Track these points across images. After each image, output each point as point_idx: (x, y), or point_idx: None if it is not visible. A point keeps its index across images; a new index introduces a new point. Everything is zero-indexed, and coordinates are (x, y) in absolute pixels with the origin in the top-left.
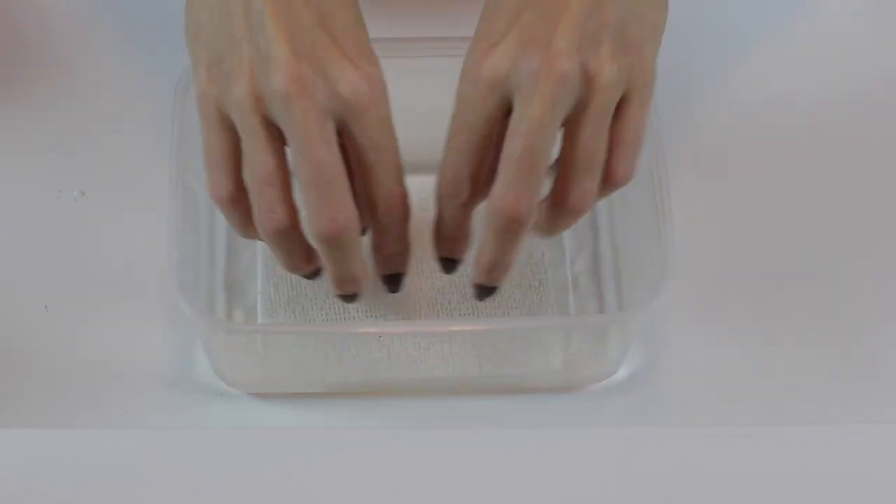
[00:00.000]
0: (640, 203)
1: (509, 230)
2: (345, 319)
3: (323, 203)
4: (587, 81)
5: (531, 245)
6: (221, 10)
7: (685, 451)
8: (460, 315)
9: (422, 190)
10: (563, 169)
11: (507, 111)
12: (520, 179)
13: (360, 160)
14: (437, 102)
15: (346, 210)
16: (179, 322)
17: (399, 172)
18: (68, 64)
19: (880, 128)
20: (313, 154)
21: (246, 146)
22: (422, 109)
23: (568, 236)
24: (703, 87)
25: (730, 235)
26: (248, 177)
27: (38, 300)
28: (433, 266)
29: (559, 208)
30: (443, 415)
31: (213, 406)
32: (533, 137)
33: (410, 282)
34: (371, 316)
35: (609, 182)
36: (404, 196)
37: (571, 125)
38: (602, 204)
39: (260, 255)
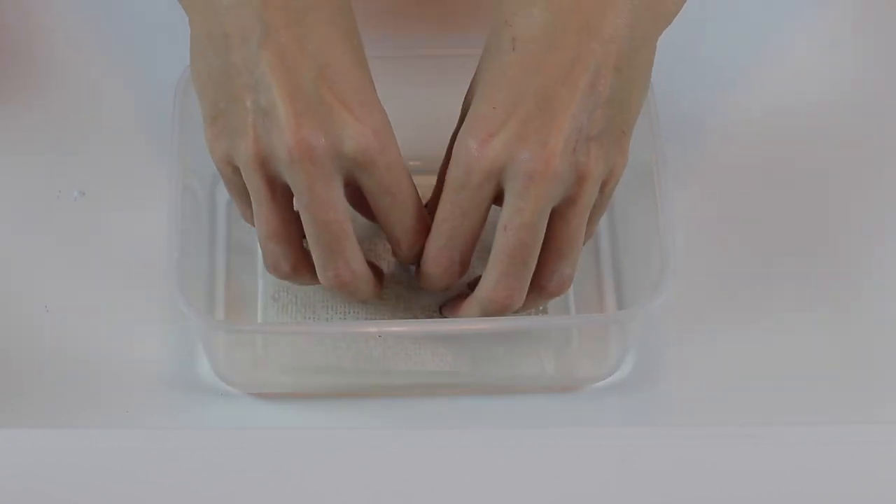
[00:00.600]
0: (640, 203)
1: (497, 314)
2: (345, 319)
3: (327, 259)
4: (578, 179)
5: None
6: (220, 62)
7: (685, 451)
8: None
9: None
10: (547, 255)
11: (496, 197)
12: (511, 273)
13: (375, 206)
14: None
15: (349, 265)
16: (179, 322)
17: (416, 208)
18: (68, 64)
19: (880, 128)
20: (318, 216)
21: (253, 202)
22: (431, 111)
23: None
24: (703, 88)
25: (730, 235)
26: (257, 229)
27: (38, 300)
28: None
29: (541, 291)
30: (443, 415)
31: (213, 406)
32: (525, 233)
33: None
34: (371, 316)
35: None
36: (425, 230)
37: (557, 216)
38: None
39: (259, 254)
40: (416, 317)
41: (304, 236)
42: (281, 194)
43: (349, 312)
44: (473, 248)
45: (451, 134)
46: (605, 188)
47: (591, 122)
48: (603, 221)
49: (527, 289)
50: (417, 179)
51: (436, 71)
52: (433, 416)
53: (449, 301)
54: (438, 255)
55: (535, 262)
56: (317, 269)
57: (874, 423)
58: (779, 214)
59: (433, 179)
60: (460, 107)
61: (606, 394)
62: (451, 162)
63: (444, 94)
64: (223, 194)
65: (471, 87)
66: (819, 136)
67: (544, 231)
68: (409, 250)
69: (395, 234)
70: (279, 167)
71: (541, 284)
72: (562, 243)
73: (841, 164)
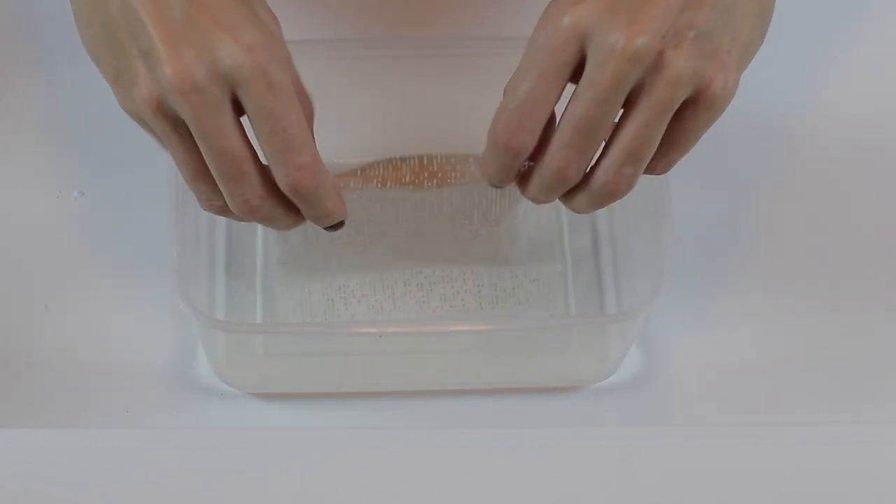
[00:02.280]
0: (640, 203)
1: (552, 188)
2: (345, 318)
3: (232, 187)
4: (657, 69)
5: (532, 245)
6: (101, 21)
7: (685, 451)
8: (461, 315)
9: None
10: (609, 148)
11: (577, 68)
12: (575, 144)
13: (256, 133)
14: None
15: (256, 189)
16: (179, 322)
17: (300, 141)
18: (68, 64)
19: (880, 128)
20: (213, 144)
21: (167, 148)
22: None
23: (568, 236)
24: None
25: (729, 236)
26: (181, 174)
27: (38, 300)
28: (432, 268)
29: (592, 185)
30: (443, 415)
31: (213, 406)
32: (596, 108)
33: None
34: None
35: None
36: (306, 167)
37: (629, 107)
38: None
39: (260, 255)
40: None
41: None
42: (189, 135)
43: (349, 313)
44: (545, 120)
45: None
46: (699, 104)
47: (690, 19)
48: (603, 222)
49: (587, 165)
50: None
51: (437, 70)
52: (433, 416)
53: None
54: (509, 119)
55: (602, 141)
56: (227, 200)
57: (874, 423)
58: (779, 215)
59: None
60: (463, 106)
61: (606, 394)
62: (536, 26)
63: (449, 91)
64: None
65: None
66: (821, 136)
67: (617, 112)
68: (290, 191)
69: (274, 170)
70: (172, 104)
71: (596, 175)
72: (628, 136)
73: (842, 163)
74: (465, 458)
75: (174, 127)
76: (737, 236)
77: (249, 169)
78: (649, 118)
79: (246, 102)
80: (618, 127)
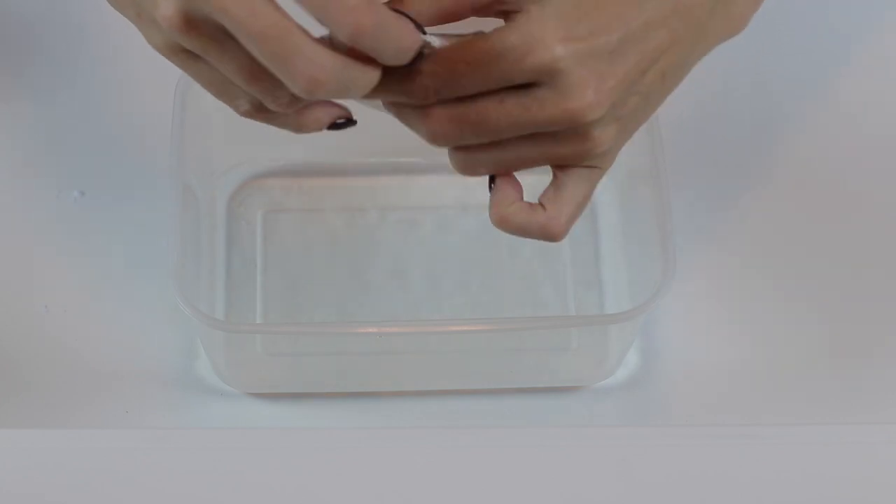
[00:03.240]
0: (641, 203)
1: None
2: (345, 318)
3: (291, 65)
4: (584, 136)
5: (531, 246)
6: None
7: (685, 451)
8: (461, 315)
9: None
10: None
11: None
12: (458, 117)
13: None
14: None
15: (316, 59)
16: (179, 322)
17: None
18: (68, 64)
19: (880, 128)
20: (253, 28)
21: (213, 62)
22: None
23: (568, 236)
24: (703, 87)
25: (730, 236)
26: (239, 84)
27: (38, 300)
28: (431, 268)
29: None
30: (443, 415)
31: (212, 406)
32: (502, 118)
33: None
34: (371, 317)
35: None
36: (358, 7)
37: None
38: (602, 204)
39: (259, 254)
40: None
41: None
42: (228, 36)
43: (349, 313)
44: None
45: None
46: (575, 166)
47: (630, 98)
48: (603, 221)
49: (462, 134)
50: (420, 180)
51: None
52: (433, 416)
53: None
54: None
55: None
56: (290, 85)
57: (874, 424)
58: (779, 215)
59: (436, 179)
60: None
61: (606, 394)
62: (515, 23)
63: None
64: (223, 194)
65: None
66: (821, 136)
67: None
68: (349, 33)
69: (327, 23)
70: (200, 8)
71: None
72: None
73: (842, 164)
74: (465, 458)
75: (210, 36)
76: (737, 236)
77: (302, 40)
78: (530, 146)
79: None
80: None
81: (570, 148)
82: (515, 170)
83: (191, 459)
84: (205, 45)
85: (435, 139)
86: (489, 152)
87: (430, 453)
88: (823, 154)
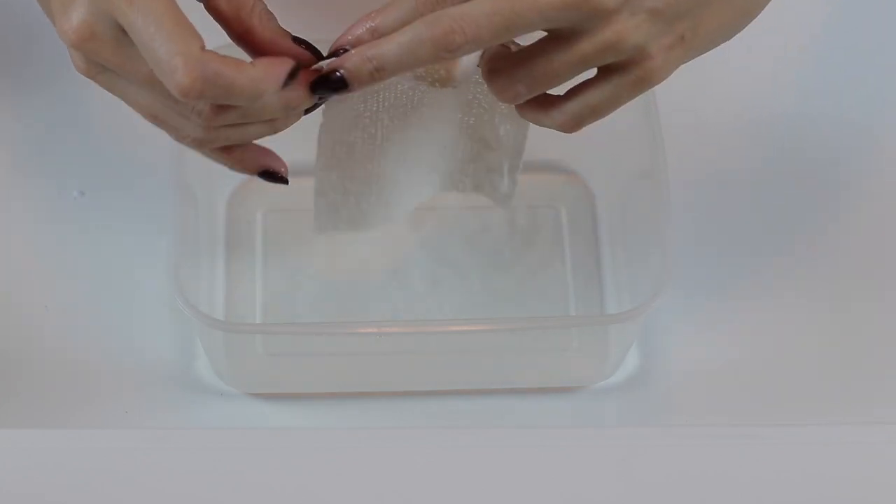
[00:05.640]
0: (641, 204)
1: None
2: (345, 318)
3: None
4: (603, 24)
5: (532, 247)
6: None
7: (685, 451)
8: (461, 315)
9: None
10: (529, 52)
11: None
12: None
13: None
14: None
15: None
16: (179, 322)
17: (165, 47)
18: (69, 64)
19: (880, 129)
20: (130, 76)
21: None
22: None
23: (568, 236)
24: (703, 88)
25: (730, 236)
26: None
27: (38, 300)
28: (431, 268)
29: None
30: (443, 415)
31: (212, 406)
32: (512, 16)
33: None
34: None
35: (541, 115)
36: (179, 68)
37: (562, 37)
38: (602, 204)
39: (259, 254)
40: None
41: None
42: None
43: (349, 313)
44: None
45: None
46: (625, 74)
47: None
48: (603, 222)
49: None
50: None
51: None
52: (433, 416)
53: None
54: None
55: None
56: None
57: (874, 423)
58: (779, 215)
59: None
60: None
61: (606, 394)
62: None
63: None
64: (223, 194)
65: None
66: (821, 136)
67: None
68: (176, 91)
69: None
70: (85, 57)
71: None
72: (536, 62)
73: (842, 164)
74: (465, 458)
75: (108, 75)
76: (737, 236)
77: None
78: (564, 59)
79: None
80: (537, 51)
81: (594, 41)
82: (552, 84)
83: (190, 459)
84: (108, 84)
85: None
86: (524, 68)
87: (430, 453)
88: (823, 154)
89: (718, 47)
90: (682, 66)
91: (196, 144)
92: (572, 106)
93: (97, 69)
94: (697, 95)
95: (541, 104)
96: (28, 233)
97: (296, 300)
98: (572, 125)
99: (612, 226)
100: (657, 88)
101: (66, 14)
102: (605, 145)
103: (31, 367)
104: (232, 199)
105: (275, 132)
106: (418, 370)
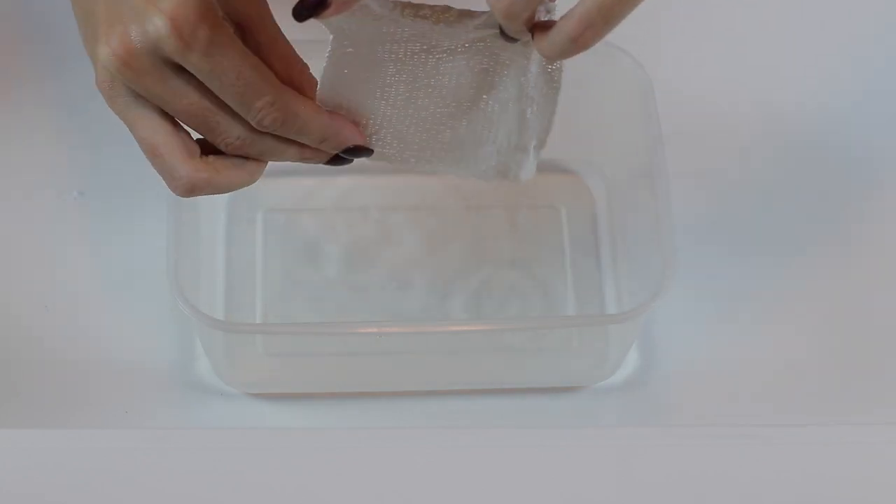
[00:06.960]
0: (640, 203)
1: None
2: (345, 318)
3: (211, 136)
4: None
5: (532, 246)
6: (77, 13)
7: (685, 451)
8: (461, 315)
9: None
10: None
11: None
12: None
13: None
14: None
15: (232, 132)
16: (179, 322)
17: (251, 88)
18: (69, 64)
19: (880, 129)
20: (173, 107)
21: (131, 128)
22: None
23: (568, 236)
24: (703, 88)
25: (729, 235)
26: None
27: (38, 300)
28: (431, 268)
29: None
30: (443, 415)
31: (212, 406)
32: None
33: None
34: (372, 318)
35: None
36: (266, 107)
37: None
38: (602, 204)
39: (259, 254)
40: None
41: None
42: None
43: (349, 313)
44: None
45: None
46: None
47: None
48: (603, 221)
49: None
50: (419, 180)
51: None
52: (433, 416)
53: None
54: None
55: None
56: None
57: (874, 424)
58: (779, 215)
59: (436, 178)
60: None
61: (606, 394)
62: None
63: None
64: (223, 194)
65: None
66: (820, 136)
67: None
68: (260, 127)
69: (244, 115)
70: (122, 82)
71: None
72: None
73: (842, 164)
74: (465, 458)
75: (139, 101)
76: (737, 236)
77: (217, 118)
78: None
79: (190, 69)
80: None
81: None
82: None
83: (190, 459)
84: (126, 110)
85: None
86: None
87: (430, 453)
88: (824, 154)
89: (718, 47)
90: (683, 66)
91: (240, 144)
92: (579, 8)
93: (120, 95)
94: (697, 95)
95: (546, 25)
96: (28, 233)
97: (296, 300)
98: (584, 29)
99: (612, 226)
100: (657, 88)
101: (112, 30)
102: (605, 145)
103: (31, 367)
104: (232, 199)
105: (303, 160)
106: (418, 370)
